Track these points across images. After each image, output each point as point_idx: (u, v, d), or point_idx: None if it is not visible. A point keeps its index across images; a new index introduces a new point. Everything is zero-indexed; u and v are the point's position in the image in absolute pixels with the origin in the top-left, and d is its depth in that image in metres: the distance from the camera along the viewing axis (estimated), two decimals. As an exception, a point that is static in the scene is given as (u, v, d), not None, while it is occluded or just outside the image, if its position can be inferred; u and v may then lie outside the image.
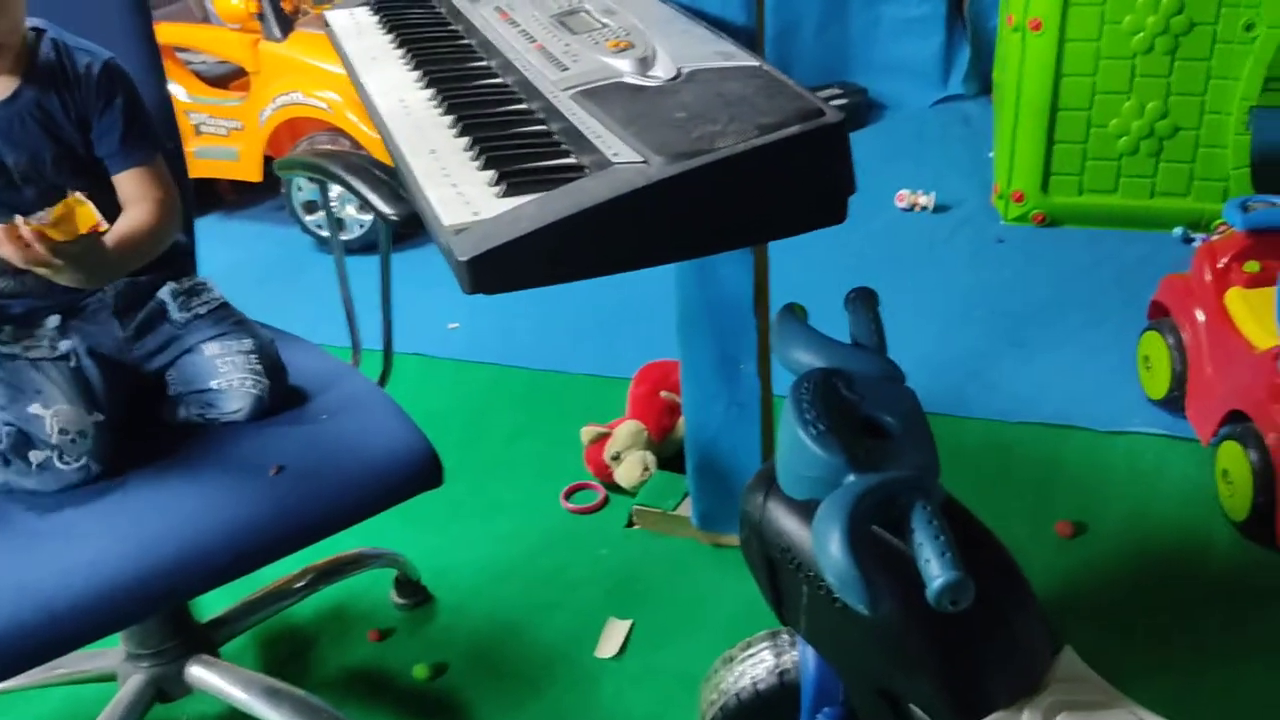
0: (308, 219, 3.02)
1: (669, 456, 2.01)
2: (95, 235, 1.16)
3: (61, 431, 1.19)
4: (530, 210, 0.95)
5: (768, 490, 1.11)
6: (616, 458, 1.99)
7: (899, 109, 3.71)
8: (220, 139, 3.09)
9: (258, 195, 3.32)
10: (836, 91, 3.62)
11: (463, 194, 1.02)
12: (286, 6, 2.95)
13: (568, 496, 2.01)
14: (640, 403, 2.07)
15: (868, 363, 1.11)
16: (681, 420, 1.88)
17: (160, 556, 1.12)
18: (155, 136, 1.36)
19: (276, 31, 2.90)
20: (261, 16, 2.90)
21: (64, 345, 1.28)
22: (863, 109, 3.64)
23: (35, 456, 1.19)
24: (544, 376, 2.39)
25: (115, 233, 1.26)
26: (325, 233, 2.97)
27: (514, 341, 2.50)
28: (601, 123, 1.06)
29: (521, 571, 1.84)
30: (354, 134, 2.84)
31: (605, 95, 1.11)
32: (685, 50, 1.19)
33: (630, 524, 1.93)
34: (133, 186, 1.32)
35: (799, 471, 1.02)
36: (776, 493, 1.09)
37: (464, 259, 0.91)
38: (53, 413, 1.21)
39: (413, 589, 1.78)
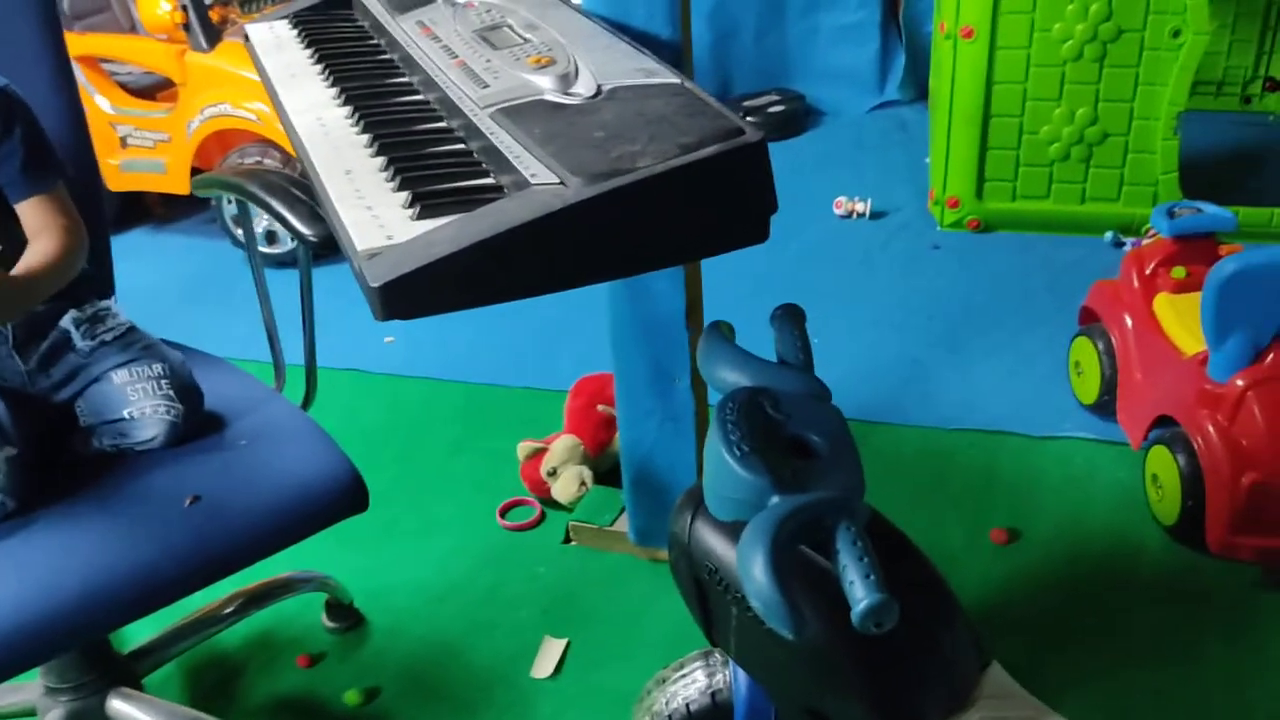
0: (238, 232, 2.96)
1: (607, 470, 2.00)
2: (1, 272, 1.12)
3: None
4: (445, 234, 0.93)
5: (695, 511, 1.10)
6: (553, 473, 1.97)
7: (837, 115, 3.73)
8: (147, 151, 3.02)
9: (187, 208, 3.26)
10: (774, 98, 3.63)
11: (377, 216, 1.00)
12: (214, 17, 2.89)
13: (504, 513, 1.98)
14: (577, 416, 2.05)
15: (794, 381, 1.10)
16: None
17: (67, 594, 1.08)
18: (56, 164, 1.32)
19: (203, 42, 2.84)
20: (188, 27, 2.84)
21: None
22: (800, 115, 3.65)
23: None
24: (481, 390, 2.37)
25: (23, 264, 1.22)
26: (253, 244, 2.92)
27: (451, 355, 2.47)
28: (520, 142, 1.05)
29: (457, 591, 1.82)
30: (285, 145, 2.79)
31: (525, 114, 1.09)
32: (607, 67, 1.17)
33: (567, 540, 1.91)
34: (36, 216, 1.28)
35: (724, 493, 1.02)
36: (704, 513, 1.08)
37: (375, 285, 0.89)
38: None
39: (344, 612, 1.75)
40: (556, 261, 0.95)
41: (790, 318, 1.16)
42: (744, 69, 3.77)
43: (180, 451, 1.27)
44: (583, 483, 1.95)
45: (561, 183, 0.96)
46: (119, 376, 1.28)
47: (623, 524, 1.86)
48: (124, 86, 3.14)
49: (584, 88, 1.13)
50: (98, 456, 1.28)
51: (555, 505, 1.97)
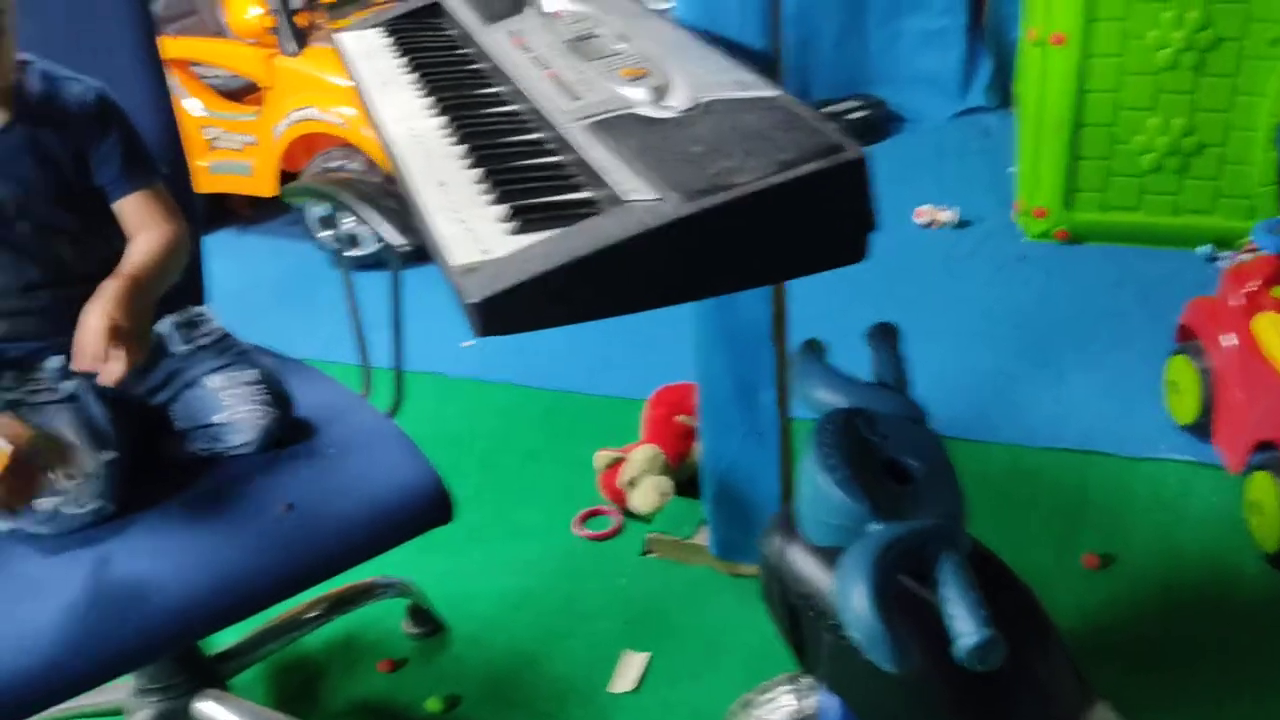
0: (322, 235, 3.00)
1: (685, 481, 1.98)
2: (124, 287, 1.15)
3: (69, 476, 1.17)
4: (541, 250, 0.92)
5: (787, 534, 1.08)
6: (632, 483, 1.95)
7: (919, 122, 3.66)
8: (235, 154, 3.07)
9: (273, 211, 3.30)
10: (855, 104, 3.58)
11: (472, 230, 0.99)
12: (301, 21, 2.93)
13: (582, 522, 1.97)
14: (656, 426, 2.04)
15: (890, 403, 1.07)
16: (698, 445, 1.85)
17: (165, 602, 1.09)
18: (153, 162, 1.34)
19: (291, 46, 2.89)
20: (276, 31, 2.88)
21: (67, 386, 1.25)
22: (882, 122, 3.60)
23: (45, 504, 1.16)
24: (560, 397, 2.36)
25: (132, 261, 1.25)
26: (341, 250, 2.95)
27: (530, 361, 2.47)
28: (615, 156, 1.03)
29: (536, 600, 1.81)
30: (369, 150, 2.82)
31: (618, 127, 1.08)
32: (701, 79, 1.16)
33: (646, 551, 1.90)
34: (137, 211, 1.31)
35: (820, 517, 0.99)
36: (796, 537, 1.06)
37: (472, 302, 0.88)
38: None
39: (425, 618, 1.75)
40: (653, 279, 0.94)
41: (886, 336, 1.13)
42: (825, 74, 3.72)
43: (271, 458, 1.28)
44: (662, 493, 1.93)
45: (659, 199, 0.94)
46: (213, 381, 1.29)
47: (702, 537, 1.85)
48: (212, 89, 3.19)
49: (678, 100, 1.12)
50: (190, 460, 1.30)
51: (634, 516, 1.96)
